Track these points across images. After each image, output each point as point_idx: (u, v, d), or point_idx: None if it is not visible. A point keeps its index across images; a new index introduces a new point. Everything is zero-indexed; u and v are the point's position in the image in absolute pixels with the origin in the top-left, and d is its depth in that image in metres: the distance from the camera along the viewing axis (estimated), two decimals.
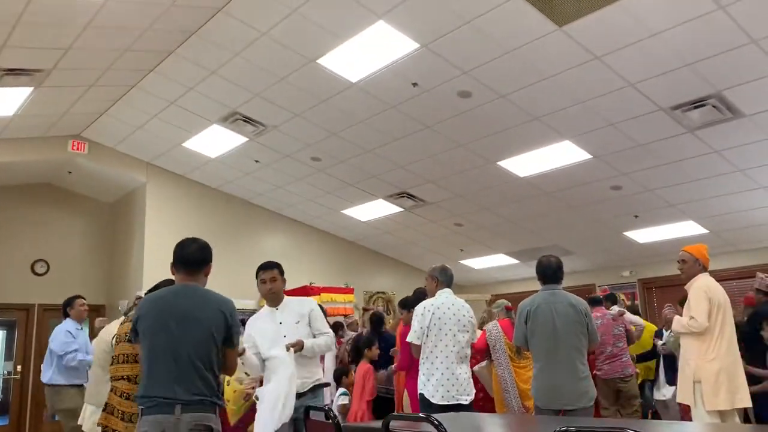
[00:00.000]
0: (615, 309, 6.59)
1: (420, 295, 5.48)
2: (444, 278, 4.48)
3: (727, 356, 4.08)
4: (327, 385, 4.23)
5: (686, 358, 4.20)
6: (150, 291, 3.87)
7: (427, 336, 4.24)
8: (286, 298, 4.15)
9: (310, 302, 4.25)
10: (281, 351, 3.78)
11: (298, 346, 3.82)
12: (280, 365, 3.71)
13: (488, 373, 5.95)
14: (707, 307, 4.12)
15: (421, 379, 4.23)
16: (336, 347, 6.84)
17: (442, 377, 4.18)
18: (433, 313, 4.27)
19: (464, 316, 4.39)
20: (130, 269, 9.86)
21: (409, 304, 5.55)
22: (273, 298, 4.09)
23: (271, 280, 4.06)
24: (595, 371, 6.01)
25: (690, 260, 4.39)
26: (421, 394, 4.18)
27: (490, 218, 10.12)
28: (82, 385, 5.83)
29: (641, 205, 8.90)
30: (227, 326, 2.80)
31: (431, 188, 9.32)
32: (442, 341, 4.24)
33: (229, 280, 9.93)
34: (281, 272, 4.13)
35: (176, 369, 2.66)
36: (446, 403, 4.13)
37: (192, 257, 2.97)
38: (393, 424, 2.37)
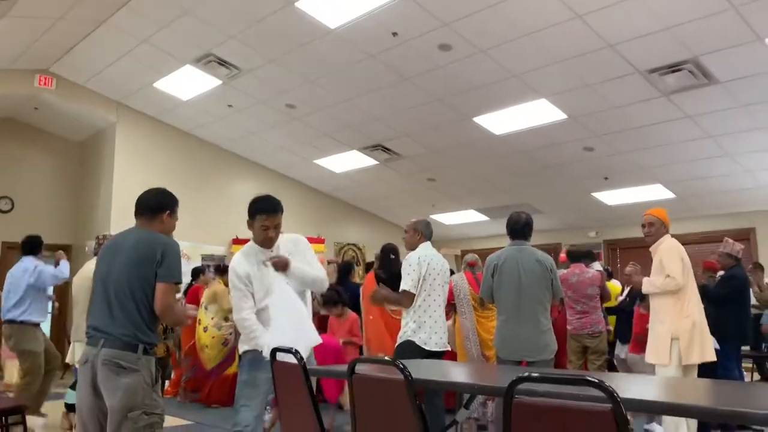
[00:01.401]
0: (596, 266, 6.65)
1: (388, 253, 5.57)
2: (427, 232, 4.55)
3: (695, 312, 4.25)
4: None
5: (660, 317, 4.28)
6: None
7: (421, 286, 4.30)
8: (278, 240, 3.52)
9: (300, 239, 3.62)
10: (276, 300, 3.34)
11: (281, 263, 3.32)
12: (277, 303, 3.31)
13: (452, 327, 6.08)
14: (681, 266, 4.25)
15: (410, 326, 4.30)
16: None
17: (435, 325, 4.30)
18: (428, 264, 4.34)
19: (447, 269, 4.52)
20: (97, 210, 9.73)
21: (332, 301, 5.99)
22: (273, 243, 3.45)
23: (275, 228, 3.40)
24: (566, 326, 6.16)
25: (657, 223, 4.49)
26: (411, 341, 4.26)
27: (462, 174, 10.17)
28: (39, 324, 5.79)
29: (612, 167, 9.01)
30: (156, 262, 2.75)
31: (406, 142, 9.29)
32: (435, 291, 4.35)
33: (199, 225, 9.93)
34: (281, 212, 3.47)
35: (105, 304, 2.75)
36: (438, 349, 4.27)
37: (145, 203, 2.98)
38: (359, 367, 2.41)
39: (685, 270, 4.26)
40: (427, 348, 4.21)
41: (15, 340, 5.59)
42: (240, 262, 3.39)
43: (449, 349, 4.44)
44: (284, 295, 3.33)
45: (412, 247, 4.52)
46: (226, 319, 6.74)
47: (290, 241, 3.53)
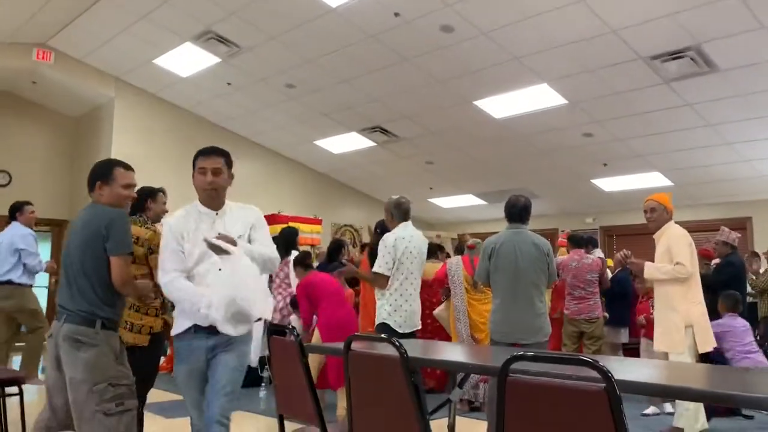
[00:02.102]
0: (597, 252, 6.67)
1: (375, 228, 5.56)
2: (398, 213, 4.43)
3: (702, 300, 4.24)
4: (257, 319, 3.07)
5: (672, 305, 4.21)
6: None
7: (398, 269, 4.27)
8: (228, 201, 3.05)
9: (256, 210, 3.11)
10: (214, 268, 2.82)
11: (225, 240, 2.75)
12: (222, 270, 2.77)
13: (447, 314, 6.10)
14: (690, 253, 4.20)
15: (385, 309, 4.28)
16: None
17: (410, 308, 4.29)
18: (405, 246, 4.31)
19: (424, 249, 4.48)
20: None
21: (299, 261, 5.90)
22: (213, 197, 2.94)
23: (213, 172, 2.90)
24: (564, 310, 6.22)
25: (659, 209, 4.41)
26: (385, 324, 4.26)
27: (461, 158, 10.15)
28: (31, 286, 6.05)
29: (611, 153, 9.01)
30: (103, 237, 2.78)
31: (405, 124, 9.26)
32: (413, 274, 4.32)
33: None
34: (229, 164, 2.99)
35: (66, 282, 2.85)
36: (410, 330, 4.27)
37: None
38: (354, 345, 2.43)
39: (692, 257, 4.21)
40: (401, 331, 4.20)
41: (17, 301, 5.81)
42: (177, 217, 2.95)
43: (418, 327, 4.43)
44: (231, 262, 2.75)
45: (390, 228, 4.47)
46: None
47: (243, 210, 3.05)
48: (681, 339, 4.13)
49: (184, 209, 2.99)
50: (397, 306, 4.25)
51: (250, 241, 2.93)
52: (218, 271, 2.77)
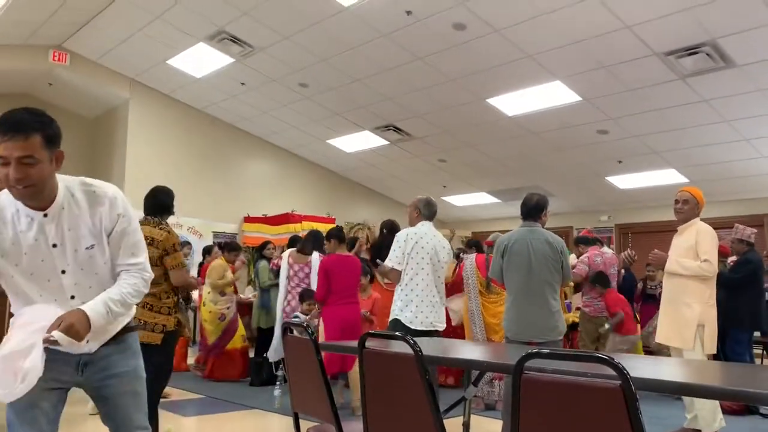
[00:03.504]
0: (608, 251, 6.72)
1: (381, 229, 5.54)
2: (427, 212, 4.50)
3: (715, 302, 4.19)
4: (134, 329, 2.27)
5: (687, 302, 4.15)
6: (146, 198, 3.85)
7: (408, 263, 4.29)
8: (62, 190, 2.07)
9: (114, 199, 2.16)
10: (53, 309, 1.97)
11: (66, 332, 1.86)
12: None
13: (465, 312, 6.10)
14: (716, 252, 4.15)
15: (397, 305, 4.31)
16: None
17: (421, 304, 4.29)
18: (416, 242, 4.32)
19: (444, 248, 4.48)
20: None
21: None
22: (27, 197, 1.95)
23: (20, 162, 1.85)
24: (581, 306, 6.20)
25: (692, 201, 4.31)
26: (397, 320, 4.28)
27: (474, 156, 10.13)
28: None
29: (626, 150, 8.94)
30: None
31: (418, 122, 9.26)
32: (424, 270, 4.32)
33: (211, 202, 10.00)
34: (50, 141, 1.93)
35: None
36: (424, 328, 4.25)
37: None
38: (369, 343, 2.43)
39: (716, 257, 4.16)
40: (412, 327, 4.19)
41: None
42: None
43: (439, 328, 4.38)
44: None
45: (412, 225, 4.51)
46: (222, 293, 6.85)
47: (92, 204, 2.12)
48: (691, 336, 4.09)
49: (7, 206, 2.00)
50: (407, 301, 4.27)
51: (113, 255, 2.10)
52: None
